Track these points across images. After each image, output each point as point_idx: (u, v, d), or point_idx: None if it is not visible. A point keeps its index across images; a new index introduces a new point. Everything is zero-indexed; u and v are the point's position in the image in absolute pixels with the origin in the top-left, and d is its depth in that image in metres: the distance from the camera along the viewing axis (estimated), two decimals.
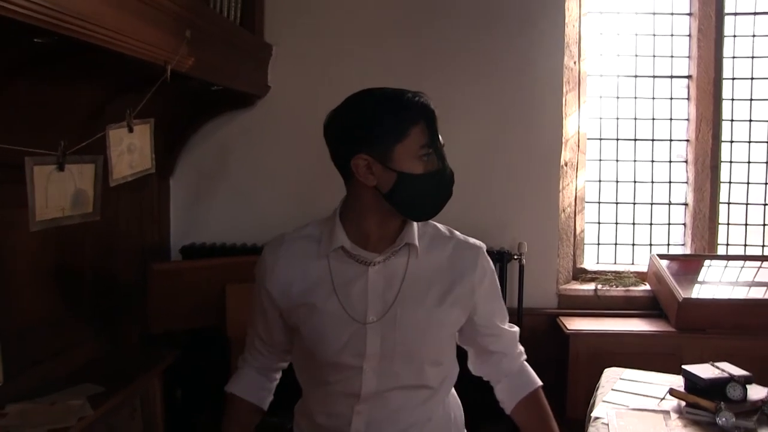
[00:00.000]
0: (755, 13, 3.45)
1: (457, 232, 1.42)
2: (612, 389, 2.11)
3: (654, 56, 3.51)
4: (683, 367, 1.98)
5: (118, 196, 2.71)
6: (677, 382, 2.05)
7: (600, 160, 3.51)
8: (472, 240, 1.42)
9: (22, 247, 2.16)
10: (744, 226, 3.51)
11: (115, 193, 2.34)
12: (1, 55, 1.69)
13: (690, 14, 3.48)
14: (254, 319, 1.46)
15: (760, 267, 3.28)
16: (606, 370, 2.30)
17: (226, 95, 2.92)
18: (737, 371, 1.91)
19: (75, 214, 1.62)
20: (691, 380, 1.92)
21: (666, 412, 1.89)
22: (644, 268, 3.34)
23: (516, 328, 1.50)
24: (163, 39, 2.05)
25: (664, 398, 1.98)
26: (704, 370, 1.93)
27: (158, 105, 2.09)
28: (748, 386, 1.87)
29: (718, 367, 1.95)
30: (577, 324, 3.00)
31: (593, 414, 1.92)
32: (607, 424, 1.82)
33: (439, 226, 1.40)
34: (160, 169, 2.66)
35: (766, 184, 3.50)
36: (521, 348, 1.50)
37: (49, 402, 2.14)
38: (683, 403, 1.91)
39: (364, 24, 3.20)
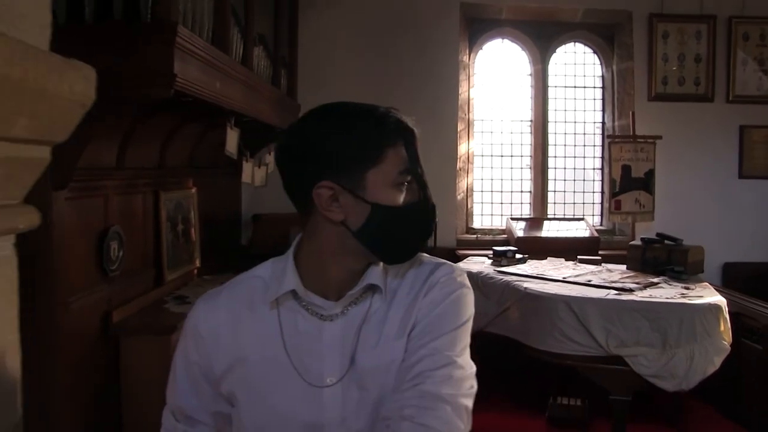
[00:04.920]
0: (566, 87, 6.54)
1: (426, 255, 1.27)
2: (466, 260, 5.09)
3: (513, 108, 6.54)
4: (493, 247, 4.95)
5: (231, 184, 5.59)
6: None
7: (482, 167, 6.51)
8: (441, 260, 1.27)
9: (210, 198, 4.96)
10: (563, 204, 6.57)
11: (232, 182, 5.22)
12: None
13: (532, 86, 6.53)
14: (177, 386, 1.27)
15: (576, 228, 6.30)
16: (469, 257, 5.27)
17: (277, 132, 5.79)
18: (514, 249, 4.89)
19: (262, 184, 4.48)
20: (495, 252, 4.88)
21: (484, 263, 4.86)
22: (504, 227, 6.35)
23: (469, 368, 1.18)
24: (273, 112, 4.91)
25: (486, 260, 4.95)
26: (503, 249, 4.90)
27: (249, 141, 4.89)
28: (517, 254, 4.84)
29: (509, 248, 4.93)
30: (465, 252, 5.96)
31: None
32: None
33: None
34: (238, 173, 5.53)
35: (574, 180, 6.56)
36: (459, 389, 1.13)
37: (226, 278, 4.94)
38: (491, 260, 4.87)
39: (354, 91, 6.11)
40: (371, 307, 1.20)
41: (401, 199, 1.16)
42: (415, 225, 1.19)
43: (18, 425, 1.15)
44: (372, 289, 1.20)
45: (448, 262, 1.28)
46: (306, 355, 1.17)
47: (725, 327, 3.54)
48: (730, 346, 3.57)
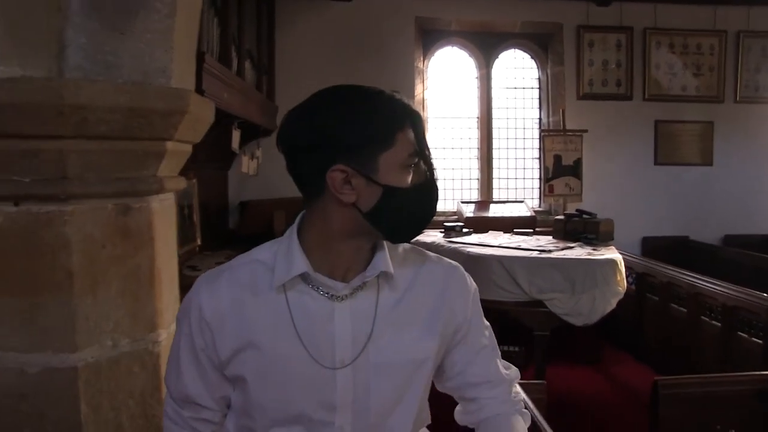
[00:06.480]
0: (507, 88, 7.60)
1: (427, 252, 1.35)
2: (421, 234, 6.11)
3: (463, 106, 7.59)
4: (444, 223, 5.97)
5: (220, 176, 6.52)
6: None
7: (436, 158, 7.51)
8: (447, 260, 1.34)
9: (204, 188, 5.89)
10: (506, 189, 7.63)
11: (221, 174, 6.16)
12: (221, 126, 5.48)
13: (478, 87, 7.58)
14: (180, 372, 1.28)
15: (518, 209, 7.36)
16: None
17: (262, 130, 6.73)
18: (461, 224, 5.92)
19: (255, 174, 5.43)
20: (445, 227, 5.90)
21: (437, 236, 5.87)
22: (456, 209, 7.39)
23: (513, 372, 1.43)
24: (260, 113, 5.86)
25: (438, 234, 5.97)
26: (452, 224, 5.92)
27: (242, 138, 5.87)
28: (464, 228, 5.87)
29: (457, 224, 5.95)
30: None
31: None
32: None
33: (405, 245, 1.31)
34: (227, 166, 6.46)
35: (516, 168, 7.63)
36: (518, 396, 1.42)
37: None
38: (443, 234, 5.88)
39: None
40: (380, 295, 1.24)
41: (409, 179, 1.18)
42: (423, 204, 1.22)
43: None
44: (380, 276, 1.24)
45: (452, 262, 1.39)
46: (318, 337, 1.20)
47: (620, 277, 4.62)
48: (625, 292, 4.65)
